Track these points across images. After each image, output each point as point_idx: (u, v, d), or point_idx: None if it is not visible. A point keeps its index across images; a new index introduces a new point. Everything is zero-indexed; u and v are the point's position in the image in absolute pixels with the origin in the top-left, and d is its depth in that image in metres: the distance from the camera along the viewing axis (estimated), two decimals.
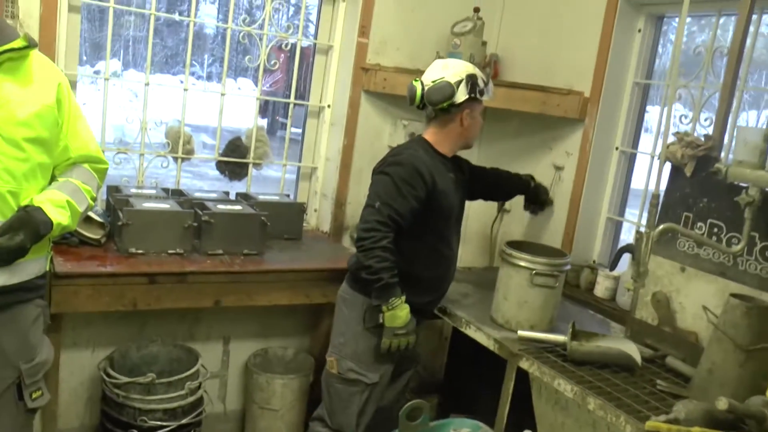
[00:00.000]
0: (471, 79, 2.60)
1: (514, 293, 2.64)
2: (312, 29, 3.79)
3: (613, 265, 2.85)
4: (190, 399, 2.87)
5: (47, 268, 2.19)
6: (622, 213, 3.34)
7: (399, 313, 2.51)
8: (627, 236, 3.72)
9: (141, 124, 3.29)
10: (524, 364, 2.42)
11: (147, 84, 3.28)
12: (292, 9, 4.69)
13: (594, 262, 3.30)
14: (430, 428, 2.21)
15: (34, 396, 2.11)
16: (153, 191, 3.24)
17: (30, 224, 1.94)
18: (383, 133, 3.59)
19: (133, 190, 3.19)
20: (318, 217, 3.72)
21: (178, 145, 3.36)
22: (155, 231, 2.87)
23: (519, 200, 3.49)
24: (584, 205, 3.21)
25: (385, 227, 2.50)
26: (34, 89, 2.00)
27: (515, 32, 3.62)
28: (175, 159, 3.41)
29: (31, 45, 1.99)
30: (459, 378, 3.49)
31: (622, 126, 3.24)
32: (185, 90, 3.38)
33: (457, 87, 2.58)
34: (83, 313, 2.96)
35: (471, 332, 2.70)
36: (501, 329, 2.66)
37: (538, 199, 3.25)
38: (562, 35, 3.33)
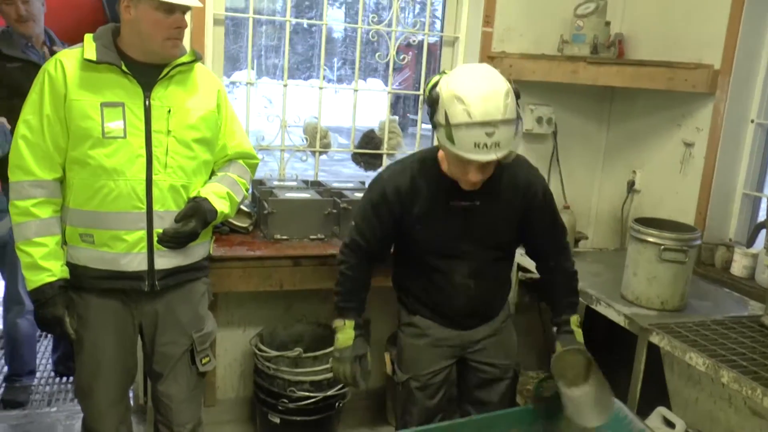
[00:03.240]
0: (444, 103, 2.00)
1: (643, 269, 2.64)
2: (438, 25, 3.92)
3: (750, 242, 2.78)
4: None
5: (210, 252, 2.49)
6: (760, 188, 3.23)
7: (338, 334, 2.36)
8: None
9: (281, 123, 3.56)
10: (655, 339, 2.43)
11: (285, 85, 3.54)
12: (417, 6, 4.83)
13: (730, 240, 3.22)
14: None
15: (203, 361, 2.43)
16: (294, 183, 3.50)
17: (199, 212, 2.24)
18: None
19: (276, 183, 3.46)
20: None
21: (316, 140, 3.60)
22: (298, 218, 3.12)
23: (652, 178, 3.46)
24: (717, 182, 3.14)
25: (347, 249, 2.38)
26: (200, 96, 2.30)
27: (639, 9, 3.58)
28: (313, 153, 3.65)
29: (197, 58, 2.29)
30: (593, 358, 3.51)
31: (758, 97, 3.12)
32: (320, 88, 3.62)
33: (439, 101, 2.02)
34: (235, 295, 3.26)
35: (601, 309, 2.74)
36: (631, 305, 2.67)
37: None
38: (689, 7, 3.26)
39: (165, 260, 2.24)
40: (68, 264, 2.20)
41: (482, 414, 2.33)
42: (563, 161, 3.73)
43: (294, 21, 3.61)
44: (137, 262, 2.20)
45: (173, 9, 2.10)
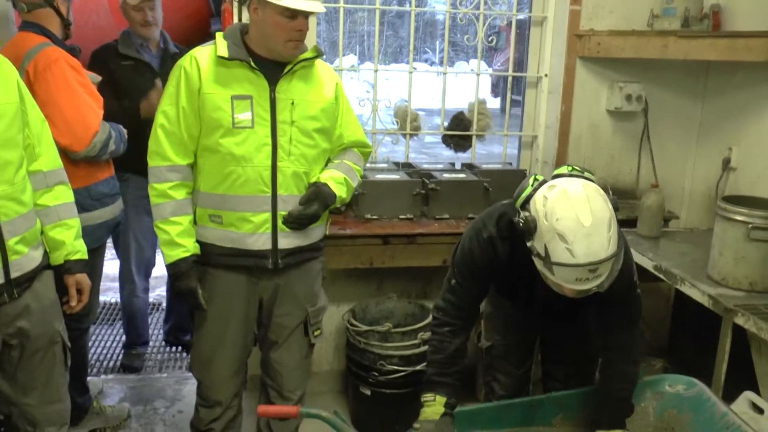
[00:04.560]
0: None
1: (730, 248, 2.58)
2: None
3: None
4: (423, 348, 3.16)
5: (326, 233, 2.64)
6: None
7: (425, 408, 2.18)
8: None
9: (372, 106, 3.69)
10: (740, 320, 2.39)
11: (376, 71, 3.66)
12: None
13: None
14: (644, 383, 2.31)
15: (315, 333, 2.61)
16: (385, 165, 3.63)
17: (321, 196, 2.41)
18: (601, 97, 3.62)
19: (368, 165, 3.59)
20: None
21: (407, 123, 3.70)
22: (387, 198, 3.24)
23: (749, 155, 3.34)
24: None
25: (448, 310, 2.28)
26: (320, 89, 2.45)
27: None
28: (404, 135, 3.75)
29: (318, 54, 2.44)
30: (684, 342, 3.45)
31: None
32: (410, 72, 3.71)
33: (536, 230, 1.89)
34: (329, 272, 3.41)
35: (686, 289, 2.70)
36: (717, 286, 2.62)
37: None
38: None
39: (287, 240, 2.41)
40: (198, 242, 2.40)
41: (561, 391, 2.38)
42: (654, 139, 3.66)
43: (385, 8, 3.72)
44: (262, 242, 2.38)
45: (296, 14, 2.24)
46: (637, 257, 2.87)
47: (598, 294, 1.95)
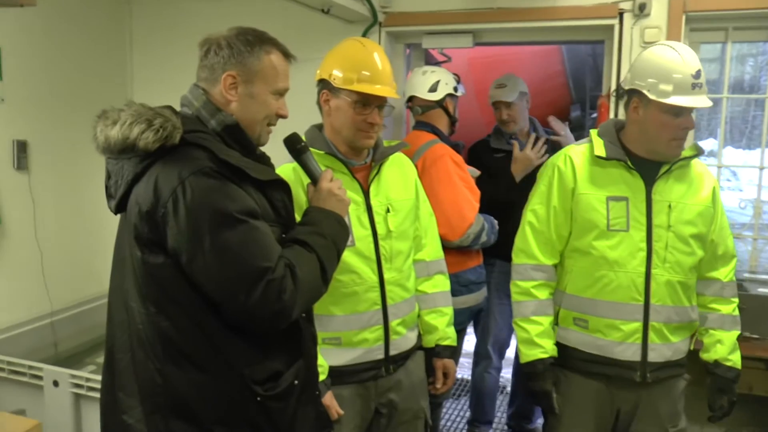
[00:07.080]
0: None
1: None
2: None
3: None
4: None
5: (690, 347, 2.45)
6: None
7: None
8: None
9: (755, 209, 3.37)
10: None
11: (761, 168, 3.36)
12: None
13: None
14: None
15: None
16: (767, 276, 3.28)
17: (726, 390, 2.41)
18: None
19: (746, 275, 3.28)
20: None
21: None
22: None
23: None
24: None
25: None
26: (697, 191, 2.33)
27: None
28: None
29: (698, 153, 2.34)
30: None
31: None
32: None
33: None
34: (692, 390, 3.14)
35: None
36: None
37: None
38: None
39: (657, 353, 2.30)
40: (557, 343, 2.39)
41: None
42: None
43: None
44: (631, 352, 2.29)
45: (681, 111, 2.18)
46: None
47: None
